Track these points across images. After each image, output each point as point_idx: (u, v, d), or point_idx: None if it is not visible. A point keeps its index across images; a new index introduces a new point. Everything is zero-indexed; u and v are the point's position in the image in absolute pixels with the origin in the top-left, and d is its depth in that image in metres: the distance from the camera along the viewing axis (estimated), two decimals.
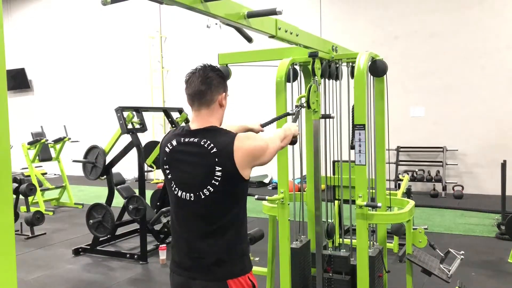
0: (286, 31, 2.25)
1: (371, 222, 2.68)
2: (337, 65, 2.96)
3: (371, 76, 2.97)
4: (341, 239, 3.09)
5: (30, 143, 7.70)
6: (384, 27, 8.74)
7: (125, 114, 5.14)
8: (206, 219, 1.77)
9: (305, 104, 2.65)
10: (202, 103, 1.80)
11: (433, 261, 3.02)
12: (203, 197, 1.74)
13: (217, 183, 1.72)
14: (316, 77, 2.75)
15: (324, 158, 3.03)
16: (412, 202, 2.98)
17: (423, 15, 8.44)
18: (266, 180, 9.56)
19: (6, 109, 1.09)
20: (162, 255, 4.78)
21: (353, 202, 2.71)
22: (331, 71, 2.92)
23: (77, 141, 8.22)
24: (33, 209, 6.23)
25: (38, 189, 7.29)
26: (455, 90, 8.31)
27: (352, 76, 2.78)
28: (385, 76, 3.01)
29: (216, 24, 8.66)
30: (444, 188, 8.16)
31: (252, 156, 1.75)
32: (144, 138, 5.72)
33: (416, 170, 8.57)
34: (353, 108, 2.67)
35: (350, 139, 2.70)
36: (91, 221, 5.09)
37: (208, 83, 1.78)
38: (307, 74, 3.06)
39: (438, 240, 4.99)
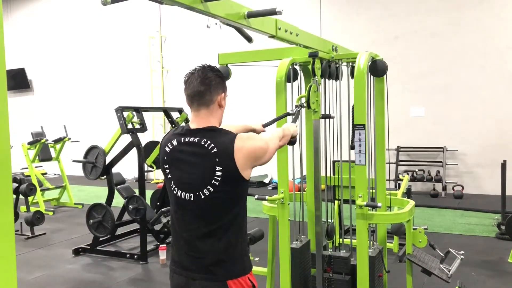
0: (286, 31, 2.25)
1: (371, 222, 2.68)
2: (337, 65, 2.96)
3: (371, 76, 2.97)
4: (341, 239, 3.09)
5: (30, 143, 7.70)
6: (384, 27, 8.74)
7: (125, 114, 5.14)
8: (206, 219, 1.77)
9: (305, 104, 2.65)
10: (201, 104, 1.79)
11: (433, 261, 3.02)
12: (203, 197, 1.74)
13: (217, 183, 1.71)
14: (316, 77, 2.75)
15: (324, 158, 3.03)
16: (412, 202, 2.98)
17: (423, 15, 8.44)
18: (266, 180, 9.56)
19: (6, 109, 1.09)
20: (162, 255, 4.78)
21: (353, 202, 2.71)
22: (331, 71, 2.92)
23: (77, 141, 8.23)
24: (33, 209, 6.23)
25: (38, 189, 7.29)
26: (455, 90, 8.31)
27: (352, 76, 2.78)
28: (385, 76, 3.02)
29: (216, 24, 8.67)
30: (444, 188, 8.16)
31: (254, 157, 1.75)
32: (144, 138, 5.72)
33: (416, 170, 8.57)
34: (353, 108, 2.67)
35: (350, 139, 2.70)
36: (91, 221, 5.09)
37: (207, 84, 1.78)
38: (307, 74, 3.06)
39: (438, 240, 4.99)
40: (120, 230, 5.64)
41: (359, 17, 8.98)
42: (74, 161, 5.61)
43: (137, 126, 5.34)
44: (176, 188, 1.80)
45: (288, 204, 2.87)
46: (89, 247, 5.20)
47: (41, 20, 12.58)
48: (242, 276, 1.78)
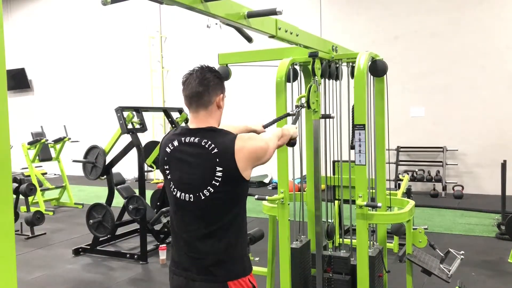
0: (286, 31, 2.25)
1: (371, 222, 2.68)
2: (337, 65, 2.96)
3: (371, 76, 2.97)
4: (341, 239, 3.09)
5: (30, 143, 7.70)
6: (384, 27, 8.74)
7: (125, 114, 5.14)
8: (206, 220, 1.76)
9: (305, 104, 2.65)
10: (200, 105, 1.78)
11: (433, 261, 3.02)
12: (203, 198, 1.73)
13: (217, 184, 1.71)
14: (316, 77, 2.75)
15: (324, 158, 3.03)
16: (412, 202, 2.98)
17: (423, 15, 8.44)
18: (266, 180, 9.56)
19: (6, 109, 1.09)
20: (162, 255, 4.78)
21: (353, 202, 2.71)
22: (331, 71, 2.92)
23: (77, 141, 8.23)
24: (33, 209, 6.23)
25: (38, 189, 7.29)
26: (455, 90, 8.31)
27: (352, 76, 2.78)
28: (385, 76, 3.02)
29: (216, 24, 8.66)
30: (444, 188, 8.16)
31: (255, 157, 1.74)
32: (144, 138, 5.72)
33: (416, 170, 8.57)
34: (353, 108, 2.67)
35: (350, 139, 2.70)
36: (91, 221, 5.09)
37: (205, 85, 1.77)
38: (307, 74, 3.06)
39: (438, 240, 4.99)
40: (120, 230, 5.64)
41: (359, 17, 8.98)
42: (74, 161, 5.61)
43: (137, 126, 5.34)
44: (175, 189, 1.80)
45: (288, 204, 2.87)
46: (89, 247, 5.20)
47: (41, 20, 12.58)
48: (243, 277, 1.77)
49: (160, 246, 4.86)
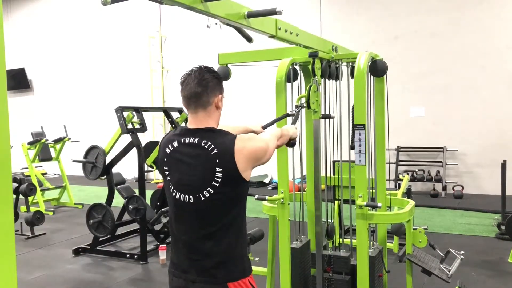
0: (286, 31, 2.25)
1: (371, 222, 2.68)
2: (337, 65, 2.96)
3: (371, 76, 2.97)
4: (341, 239, 3.09)
5: (30, 143, 7.70)
6: (384, 27, 8.74)
7: (125, 114, 5.14)
8: (205, 221, 1.75)
9: (305, 104, 2.65)
10: (198, 105, 1.78)
11: (433, 261, 3.02)
12: (202, 199, 1.72)
13: (217, 185, 1.70)
14: (316, 77, 2.75)
15: (324, 158, 3.03)
16: (412, 202, 2.98)
17: (423, 15, 8.44)
18: (266, 180, 9.56)
19: (6, 109, 1.09)
20: (162, 255, 4.78)
21: (353, 202, 2.71)
22: (331, 71, 2.92)
23: (77, 141, 8.23)
24: (33, 209, 6.23)
25: (38, 189, 7.29)
26: (455, 90, 8.31)
27: (352, 76, 2.78)
28: (385, 76, 3.02)
29: (216, 24, 8.67)
30: (444, 188, 8.16)
31: (255, 157, 1.74)
32: (144, 138, 5.72)
33: (416, 170, 8.57)
34: (353, 108, 2.67)
35: (350, 139, 2.70)
36: (91, 221, 5.09)
37: (204, 85, 1.76)
38: (307, 74, 3.06)
39: (438, 240, 4.99)
40: (120, 230, 5.64)
41: (359, 17, 8.98)
42: (74, 161, 5.61)
43: (137, 126, 5.34)
44: (174, 190, 1.79)
45: (288, 204, 2.87)
46: (89, 247, 5.20)
47: (41, 20, 12.58)
48: (243, 278, 1.77)
49: (160, 246, 4.86)
